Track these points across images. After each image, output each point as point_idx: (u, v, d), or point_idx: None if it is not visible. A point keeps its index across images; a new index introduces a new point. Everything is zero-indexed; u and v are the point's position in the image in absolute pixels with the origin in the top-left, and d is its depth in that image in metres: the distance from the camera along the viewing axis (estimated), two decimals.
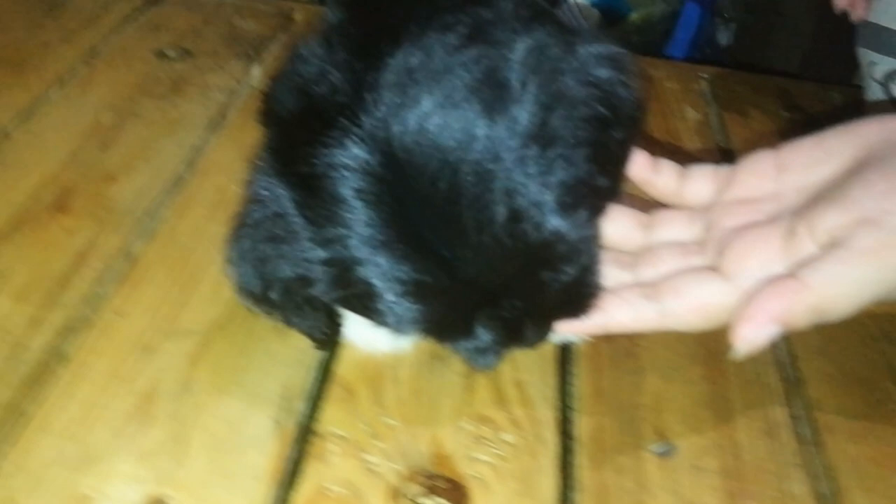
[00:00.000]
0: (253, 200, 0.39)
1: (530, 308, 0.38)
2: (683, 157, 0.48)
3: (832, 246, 0.36)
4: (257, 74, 0.70)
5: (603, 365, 0.47)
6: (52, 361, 0.43)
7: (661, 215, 0.43)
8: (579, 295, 0.39)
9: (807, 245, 0.37)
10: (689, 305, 0.39)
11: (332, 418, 0.42)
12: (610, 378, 0.46)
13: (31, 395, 0.42)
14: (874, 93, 0.72)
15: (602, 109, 0.38)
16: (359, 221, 0.35)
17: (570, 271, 0.37)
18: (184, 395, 0.42)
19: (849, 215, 0.36)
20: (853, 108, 0.74)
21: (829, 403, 0.46)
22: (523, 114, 0.35)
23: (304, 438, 0.41)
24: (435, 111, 0.34)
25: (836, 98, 0.77)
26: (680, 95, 0.73)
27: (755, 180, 0.41)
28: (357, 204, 0.35)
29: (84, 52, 0.70)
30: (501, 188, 0.34)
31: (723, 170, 0.42)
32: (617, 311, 0.40)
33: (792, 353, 0.48)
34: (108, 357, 0.44)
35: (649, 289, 0.40)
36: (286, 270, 0.39)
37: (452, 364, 0.45)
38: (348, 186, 0.35)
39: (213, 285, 0.49)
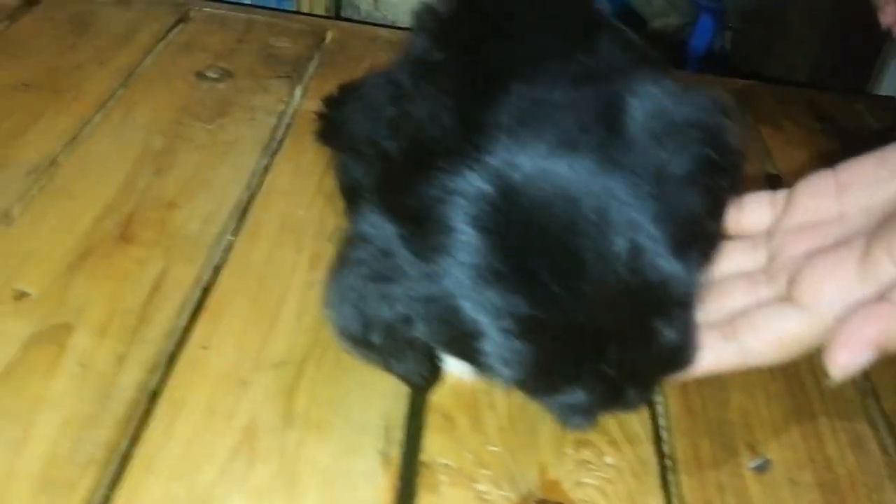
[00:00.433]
0: (356, 239, 0.39)
1: (637, 361, 0.36)
2: None
3: None
4: (299, 95, 0.70)
5: (688, 383, 0.47)
6: (144, 399, 0.43)
7: (723, 246, 0.42)
8: (684, 351, 0.37)
9: (887, 267, 0.36)
10: (768, 340, 0.38)
11: (435, 447, 0.42)
12: (697, 396, 0.47)
13: (128, 434, 0.41)
14: None
15: (712, 154, 0.37)
16: (469, 251, 0.34)
17: (679, 321, 0.36)
18: (285, 429, 0.42)
19: None
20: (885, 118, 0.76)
21: None
22: (639, 152, 0.35)
23: (412, 469, 0.41)
24: (552, 148, 0.34)
25: (861, 108, 0.78)
26: None
27: (816, 203, 0.40)
28: (468, 231, 0.34)
29: (120, 73, 0.69)
30: (623, 222, 0.34)
31: (780, 195, 0.42)
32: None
33: None
34: (200, 392, 0.43)
35: (726, 327, 0.39)
36: (389, 311, 0.37)
37: None
38: (461, 213, 0.34)
39: (294, 313, 0.48)
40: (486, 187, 0.34)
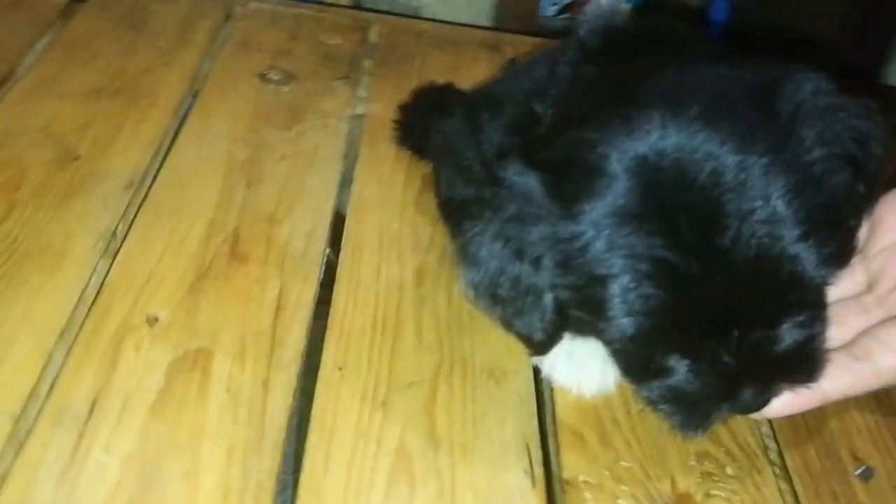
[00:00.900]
0: (493, 196, 0.40)
1: (759, 356, 0.37)
2: None
3: None
4: (363, 97, 0.70)
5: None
6: (294, 423, 0.44)
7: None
8: (811, 360, 0.38)
9: None
10: None
11: (572, 465, 0.45)
12: None
13: (289, 460, 0.42)
14: None
15: (858, 156, 0.39)
16: (614, 193, 0.36)
17: (808, 323, 0.38)
18: (435, 450, 0.44)
19: None
20: None
21: None
22: (786, 135, 0.37)
23: (559, 487, 0.43)
24: (703, 118, 0.36)
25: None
26: None
27: None
28: (617, 175, 0.36)
29: (186, 77, 0.68)
30: (761, 194, 0.35)
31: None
32: (832, 378, 0.40)
33: None
34: (346, 415, 0.45)
35: (855, 348, 0.40)
36: (519, 257, 0.39)
37: None
38: (612, 161, 0.36)
39: (413, 331, 0.50)
40: (638, 144, 0.36)
